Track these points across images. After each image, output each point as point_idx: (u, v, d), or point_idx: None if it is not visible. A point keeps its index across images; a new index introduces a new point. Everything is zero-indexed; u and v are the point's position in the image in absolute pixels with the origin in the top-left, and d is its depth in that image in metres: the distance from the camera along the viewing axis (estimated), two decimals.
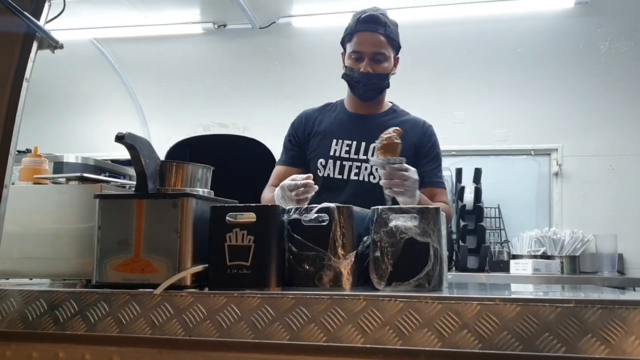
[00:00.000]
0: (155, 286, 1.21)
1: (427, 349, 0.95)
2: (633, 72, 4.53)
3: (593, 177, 4.74)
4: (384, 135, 1.82)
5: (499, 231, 4.69)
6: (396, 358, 0.96)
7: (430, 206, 1.35)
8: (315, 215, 1.34)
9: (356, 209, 1.38)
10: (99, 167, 4.27)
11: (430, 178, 2.21)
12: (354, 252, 1.33)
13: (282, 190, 1.95)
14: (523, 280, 3.81)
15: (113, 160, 4.58)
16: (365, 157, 2.23)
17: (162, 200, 1.31)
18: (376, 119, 2.30)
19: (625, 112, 4.64)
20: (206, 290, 1.25)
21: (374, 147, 2.21)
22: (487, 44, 4.62)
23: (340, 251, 1.31)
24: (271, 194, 2.14)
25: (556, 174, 4.81)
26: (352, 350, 0.98)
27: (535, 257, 4.22)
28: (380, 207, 1.34)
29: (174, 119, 5.32)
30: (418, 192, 1.96)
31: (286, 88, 4.96)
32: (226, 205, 1.33)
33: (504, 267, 4.12)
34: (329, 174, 2.24)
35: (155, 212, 1.30)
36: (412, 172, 1.88)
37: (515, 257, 4.29)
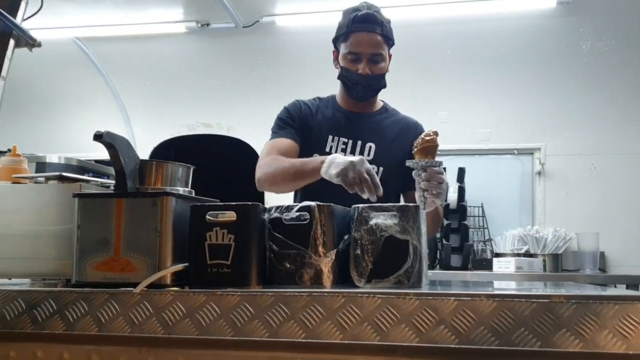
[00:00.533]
0: (135, 285, 1.21)
1: (404, 344, 0.96)
2: (614, 71, 4.58)
3: (575, 176, 4.79)
4: (425, 137, 1.76)
5: (482, 230, 4.72)
6: (374, 354, 0.97)
7: (410, 204, 1.36)
8: (296, 213, 1.34)
9: (337, 207, 1.39)
10: (82, 167, 4.24)
11: None
12: (335, 250, 1.33)
13: (351, 169, 1.80)
14: (506, 278, 3.84)
15: (97, 161, 4.56)
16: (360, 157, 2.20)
17: (142, 199, 1.31)
18: (371, 118, 2.27)
19: (607, 112, 4.69)
20: (186, 289, 1.25)
21: (370, 147, 2.20)
22: (470, 43, 4.65)
23: (321, 249, 1.32)
24: (286, 163, 2.04)
25: (539, 173, 4.85)
26: (330, 346, 0.99)
27: (518, 255, 4.25)
28: (360, 205, 1.34)
29: (158, 119, 5.31)
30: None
31: (270, 87, 4.96)
32: (206, 204, 1.33)
33: (487, 265, 4.15)
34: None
35: (134, 211, 1.30)
36: (444, 175, 1.83)
37: (498, 255, 4.31)
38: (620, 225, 4.59)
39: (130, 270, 1.28)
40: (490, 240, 4.61)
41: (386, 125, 2.27)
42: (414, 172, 1.79)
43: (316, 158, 2.01)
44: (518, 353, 0.91)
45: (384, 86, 2.22)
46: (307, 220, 1.32)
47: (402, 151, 2.13)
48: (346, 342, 0.99)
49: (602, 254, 4.51)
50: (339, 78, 2.23)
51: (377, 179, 1.82)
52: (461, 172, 4.63)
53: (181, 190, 1.44)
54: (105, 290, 1.16)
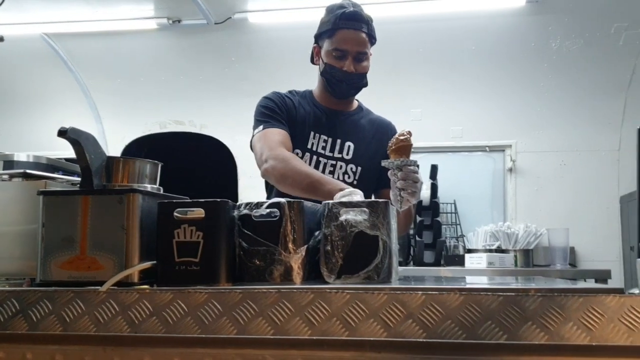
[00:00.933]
0: (101, 284, 1.19)
1: (372, 339, 0.96)
2: (583, 69, 4.65)
3: (546, 173, 4.86)
4: (400, 137, 1.76)
5: (454, 226, 4.76)
6: (342, 349, 0.97)
7: (380, 200, 1.36)
8: (266, 210, 1.34)
9: (307, 203, 1.38)
10: (52, 165, 4.16)
11: None
12: (305, 246, 1.33)
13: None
14: (478, 273, 3.88)
15: (68, 159, 4.49)
16: (340, 156, 2.19)
17: (108, 196, 1.29)
18: (349, 117, 2.27)
19: (576, 109, 4.77)
20: (155, 287, 1.23)
21: (349, 146, 2.21)
22: (442, 41, 4.68)
23: (290, 246, 1.31)
24: (304, 171, 1.97)
25: (510, 170, 4.91)
26: (298, 342, 0.98)
27: (490, 251, 4.29)
28: (330, 201, 1.34)
29: (130, 117, 5.25)
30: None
31: (243, 85, 4.94)
32: (174, 201, 1.32)
33: (459, 261, 4.19)
34: None
35: (100, 209, 1.28)
36: (420, 175, 1.83)
37: (470, 251, 4.36)
38: (589, 221, 4.67)
39: (97, 269, 1.26)
40: (462, 236, 4.65)
41: (363, 124, 2.28)
42: (389, 172, 1.79)
43: (335, 181, 1.94)
44: (484, 346, 0.92)
45: (366, 85, 2.21)
46: (277, 217, 1.32)
47: (378, 151, 2.13)
48: (315, 337, 0.98)
49: (573, 249, 4.58)
50: (322, 74, 2.21)
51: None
52: (434, 169, 4.66)
53: (149, 187, 1.42)
54: (70, 289, 1.14)
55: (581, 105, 4.75)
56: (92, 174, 1.32)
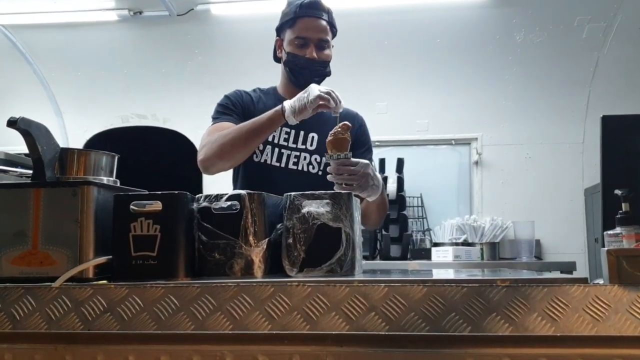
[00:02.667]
0: (55, 280, 1.15)
1: (334, 332, 0.93)
2: (547, 62, 4.69)
3: (511, 166, 4.90)
4: (331, 132, 1.79)
5: (421, 220, 4.77)
6: (303, 343, 0.94)
7: (342, 192, 1.33)
8: (226, 203, 1.30)
9: (269, 195, 1.35)
10: (10, 161, 4.07)
11: None
12: (266, 239, 1.29)
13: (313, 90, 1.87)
14: (445, 267, 3.89)
15: (27, 154, 4.38)
16: (304, 147, 2.19)
17: (61, 188, 1.24)
18: None
19: (541, 102, 4.81)
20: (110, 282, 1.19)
21: (313, 137, 2.20)
22: (407, 34, 4.68)
23: (251, 239, 1.28)
24: (233, 127, 2.02)
25: (476, 163, 4.94)
26: (258, 337, 0.95)
27: (456, 244, 4.31)
28: (293, 193, 1.31)
29: (91, 110, 5.15)
30: (380, 185, 1.90)
31: (207, 78, 4.87)
32: (130, 193, 1.27)
33: (426, 254, 4.20)
34: (266, 160, 2.16)
35: (53, 202, 1.23)
36: (361, 166, 1.80)
37: (437, 244, 4.37)
38: (555, 213, 4.72)
39: (50, 264, 1.21)
40: (429, 230, 4.67)
41: (327, 115, 2.24)
42: (329, 167, 1.80)
43: (267, 112, 1.99)
44: (448, 338, 0.90)
45: (329, 74, 2.21)
46: (237, 210, 1.28)
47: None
48: (275, 332, 0.95)
49: (538, 242, 4.63)
50: (285, 64, 2.21)
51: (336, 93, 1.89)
52: (400, 163, 4.66)
53: (105, 179, 1.37)
54: (20, 286, 1.09)
55: (546, 98, 4.79)
56: (44, 166, 1.28)
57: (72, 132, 5.14)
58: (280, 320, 0.96)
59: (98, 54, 4.90)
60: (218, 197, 1.30)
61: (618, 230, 1.09)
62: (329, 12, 2.18)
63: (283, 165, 2.17)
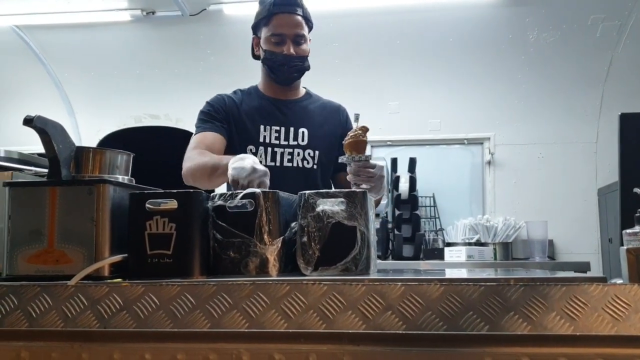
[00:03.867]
0: (70, 278, 1.15)
1: (350, 331, 0.93)
2: (560, 61, 4.66)
3: (524, 165, 4.86)
4: (350, 133, 1.80)
5: (433, 220, 4.75)
6: (319, 342, 0.94)
7: (358, 190, 1.33)
8: (241, 201, 1.30)
9: (283, 194, 1.35)
10: (24, 160, 4.09)
11: None
12: (281, 238, 1.30)
13: (255, 170, 1.67)
14: (458, 267, 3.88)
15: (41, 154, 4.40)
16: (295, 143, 2.20)
17: (77, 187, 1.24)
18: (297, 104, 2.29)
19: (554, 101, 4.77)
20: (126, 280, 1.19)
21: (303, 132, 2.22)
22: (419, 33, 4.66)
23: (266, 237, 1.28)
24: (206, 158, 1.98)
25: (489, 163, 4.91)
26: (274, 335, 0.95)
27: (469, 244, 4.29)
28: (307, 192, 1.31)
29: (104, 111, 5.16)
30: (385, 186, 1.93)
31: (219, 78, 4.87)
32: (146, 191, 1.28)
33: (439, 254, 4.18)
34: (260, 161, 2.13)
35: (69, 200, 1.24)
36: (378, 169, 1.83)
37: (449, 244, 4.35)
38: (567, 213, 4.68)
39: (65, 262, 1.22)
40: (441, 229, 4.64)
41: (313, 110, 2.30)
42: (347, 167, 1.82)
43: (228, 157, 1.87)
44: (465, 337, 0.89)
45: (308, 68, 2.23)
46: (252, 208, 1.28)
47: (331, 134, 2.23)
48: (291, 330, 0.95)
49: (551, 242, 4.59)
50: (263, 62, 2.22)
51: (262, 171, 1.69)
52: (412, 163, 4.64)
53: (120, 178, 1.37)
54: (36, 284, 1.09)
55: (559, 98, 4.76)
56: (60, 164, 1.28)
57: (85, 132, 5.16)
58: (297, 319, 0.96)
59: (111, 54, 4.92)
60: (233, 196, 1.31)
61: (637, 229, 1.08)
62: (302, 7, 2.19)
63: (278, 164, 2.18)
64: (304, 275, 1.24)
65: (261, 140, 2.19)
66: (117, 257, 1.23)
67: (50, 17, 4.58)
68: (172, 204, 1.24)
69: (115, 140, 5.24)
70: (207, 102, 2.26)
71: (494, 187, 4.89)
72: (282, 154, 2.19)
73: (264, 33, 2.19)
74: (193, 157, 2.07)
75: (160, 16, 4.60)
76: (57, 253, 1.22)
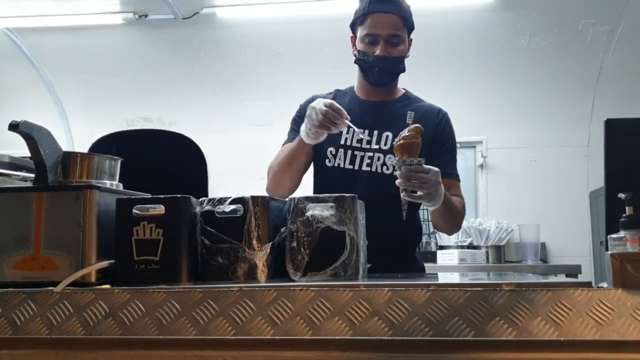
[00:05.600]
0: (57, 284, 1.14)
1: (337, 337, 0.93)
2: (552, 65, 4.67)
3: (516, 169, 4.88)
4: (402, 134, 1.71)
5: (426, 222, 4.74)
6: (306, 348, 0.93)
7: (347, 195, 1.33)
8: (230, 206, 1.30)
9: (273, 199, 1.35)
10: (15, 164, 4.07)
11: (443, 169, 1.90)
12: (270, 243, 1.29)
13: (312, 110, 1.87)
14: (450, 269, 3.88)
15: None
16: (377, 147, 2.09)
17: (63, 192, 1.24)
18: (389, 106, 2.18)
19: (546, 105, 4.79)
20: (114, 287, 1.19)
21: (387, 136, 2.09)
22: (412, 38, 4.66)
23: (255, 243, 1.27)
24: (279, 155, 2.13)
25: (481, 166, 4.92)
26: (261, 342, 0.95)
27: (461, 247, 4.29)
28: (296, 196, 1.31)
29: (96, 114, 5.15)
30: (443, 194, 1.83)
31: (212, 81, 4.88)
32: (133, 197, 1.27)
33: (432, 257, 4.19)
34: (339, 164, 2.10)
35: (56, 206, 1.23)
36: (433, 174, 1.73)
37: (442, 247, 4.36)
38: (559, 216, 4.70)
39: (52, 269, 1.21)
40: (434, 232, 4.64)
41: (405, 113, 2.03)
42: (397, 172, 1.74)
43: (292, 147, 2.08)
44: (451, 343, 0.89)
45: (403, 70, 2.16)
46: (241, 213, 1.28)
47: (423, 138, 2.01)
48: (277, 337, 0.95)
49: (543, 245, 4.61)
50: (355, 62, 2.15)
51: (337, 106, 1.85)
52: None
53: (108, 183, 1.37)
54: (21, 290, 1.08)
55: (550, 101, 4.78)
56: (46, 170, 1.27)
57: (77, 136, 5.15)
58: (283, 326, 0.96)
59: (103, 57, 4.91)
60: (221, 201, 1.30)
61: (622, 234, 1.08)
62: (401, 6, 2.10)
63: (357, 167, 2.09)
64: (293, 280, 1.24)
65: (342, 142, 2.11)
66: (104, 264, 1.22)
67: (42, 20, 4.57)
68: (160, 209, 1.24)
69: (108, 144, 5.23)
70: (299, 108, 2.22)
71: (487, 190, 4.90)
72: (362, 158, 2.10)
73: (359, 32, 2.11)
74: (271, 166, 2.15)
75: (153, 19, 4.60)
76: (43, 259, 1.22)
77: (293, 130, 2.18)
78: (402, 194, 1.75)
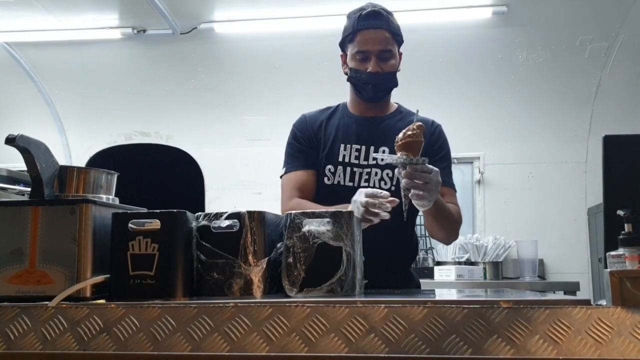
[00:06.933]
0: (52, 299, 1.14)
1: (333, 354, 0.92)
2: (550, 81, 4.69)
3: (514, 185, 4.87)
4: (407, 132, 1.67)
5: (423, 238, 4.73)
6: None
7: (343, 210, 1.32)
8: (226, 221, 1.29)
9: (269, 214, 1.34)
10: (13, 178, 4.07)
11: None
12: (266, 258, 1.28)
13: (354, 204, 1.73)
14: (447, 286, 3.86)
15: None
16: (374, 162, 2.09)
17: (59, 206, 1.23)
18: (384, 121, 2.17)
19: (543, 121, 4.80)
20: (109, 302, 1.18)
21: (383, 151, 2.07)
22: (409, 54, 4.65)
23: (251, 258, 1.27)
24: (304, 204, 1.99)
25: (479, 182, 4.92)
26: (256, 359, 0.94)
27: (459, 263, 4.28)
28: (293, 212, 1.30)
29: (94, 128, 5.15)
30: (438, 196, 1.81)
31: (210, 96, 4.88)
32: (128, 211, 1.27)
33: (429, 273, 4.17)
34: (339, 182, 2.09)
35: (52, 220, 1.22)
36: (435, 174, 1.71)
37: (439, 263, 4.34)
38: (558, 233, 4.69)
39: (47, 283, 1.20)
40: (431, 248, 4.63)
41: (400, 127, 2.00)
42: (396, 170, 1.71)
43: (337, 208, 1.86)
44: None
45: (395, 85, 2.15)
46: (237, 228, 1.27)
47: None
48: (272, 354, 0.94)
49: (541, 261, 4.59)
50: (348, 80, 2.15)
51: (381, 193, 1.71)
52: None
53: (104, 198, 1.36)
54: (15, 305, 1.07)
55: (548, 117, 4.79)
56: (43, 184, 1.27)
57: (75, 150, 5.15)
58: (279, 342, 0.95)
59: (102, 72, 4.92)
60: (217, 216, 1.30)
61: (621, 251, 1.07)
62: (389, 21, 2.10)
63: (356, 184, 2.08)
64: (289, 296, 1.23)
65: (340, 159, 2.10)
66: (99, 278, 1.21)
67: (41, 35, 4.58)
68: (155, 224, 1.23)
69: (106, 158, 5.24)
70: (292, 129, 2.18)
71: (484, 206, 4.90)
72: (360, 174, 2.09)
73: (349, 50, 2.10)
74: (291, 207, 1.98)
75: (151, 34, 4.61)
76: (39, 273, 1.21)
77: (291, 155, 2.16)
78: (404, 193, 1.72)
